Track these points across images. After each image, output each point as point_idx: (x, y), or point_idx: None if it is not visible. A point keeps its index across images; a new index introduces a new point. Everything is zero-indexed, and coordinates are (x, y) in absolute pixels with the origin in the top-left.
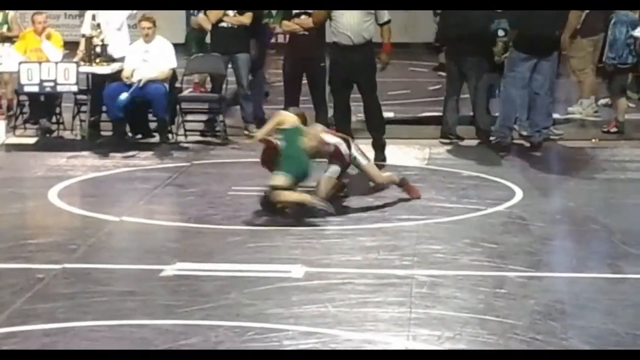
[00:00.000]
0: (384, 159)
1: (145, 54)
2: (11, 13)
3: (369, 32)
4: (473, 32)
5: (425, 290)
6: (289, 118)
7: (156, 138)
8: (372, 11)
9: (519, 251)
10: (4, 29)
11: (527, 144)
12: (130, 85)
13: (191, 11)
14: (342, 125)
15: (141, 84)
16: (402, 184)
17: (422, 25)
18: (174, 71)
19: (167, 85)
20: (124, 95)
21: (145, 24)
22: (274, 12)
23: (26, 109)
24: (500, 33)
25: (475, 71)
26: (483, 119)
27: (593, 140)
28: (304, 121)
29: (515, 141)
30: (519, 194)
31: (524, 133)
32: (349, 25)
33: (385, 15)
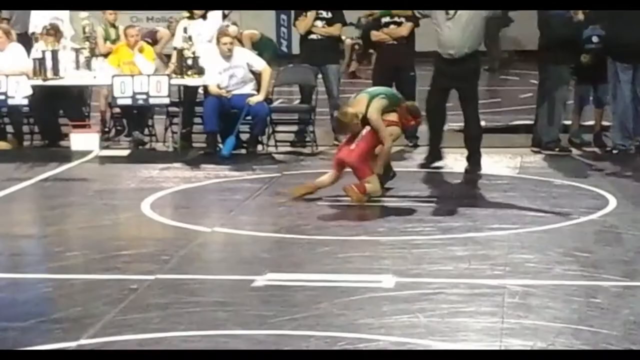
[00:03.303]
0: (478, 170)
1: (232, 70)
2: (121, 27)
3: (472, 45)
4: (554, 40)
5: (518, 300)
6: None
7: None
8: (478, 23)
9: (613, 260)
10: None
11: (619, 153)
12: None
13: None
14: (435, 131)
15: (250, 103)
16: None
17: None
18: None
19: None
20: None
21: (227, 39)
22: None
23: (119, 122)
24: (594, 40)
25: (553, 80)
26: (544, 129)
27: None
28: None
29: (607, 149)
30: (612, 203)
31: (618, 142)
32: (451, 39)
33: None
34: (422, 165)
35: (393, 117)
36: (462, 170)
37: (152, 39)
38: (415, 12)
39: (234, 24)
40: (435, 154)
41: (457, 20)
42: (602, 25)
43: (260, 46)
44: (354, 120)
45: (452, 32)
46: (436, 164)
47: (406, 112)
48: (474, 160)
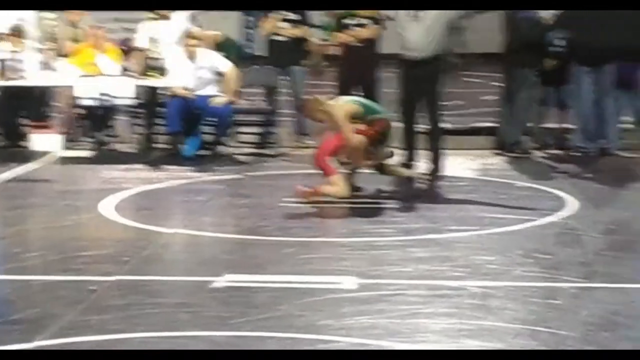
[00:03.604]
0: (440, 172)
1: (196, 71)
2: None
3: (435, 47)
4: (521, 42)
5: (477, 301)
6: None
7: (209, 151)
8: (442, 24)
9: (573, 262)
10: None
11: (581, 155)
12: (190, 100)
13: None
14: (409, 132)
15: (213, 104)
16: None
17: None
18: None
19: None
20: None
21: (192, 41)
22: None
23: (82, 122)
24: (558, 42)
25: (517, 83)
26: (506, 131)
27: None
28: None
29: (569, 152)
30: (573, 205)
31: (580, 144)
32: (415, 40)
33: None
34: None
35: (361, 126)
36: (425, 171)
37: (128, 46)
38: (380, 13)
39: (199, 26)
40: (411, 155)
41: (422, 22)
42: (565, 29)
43: (224, 47)
44: (317, 105)
45: (416, 33)
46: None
47: (377, 128)
48: (435, 161)
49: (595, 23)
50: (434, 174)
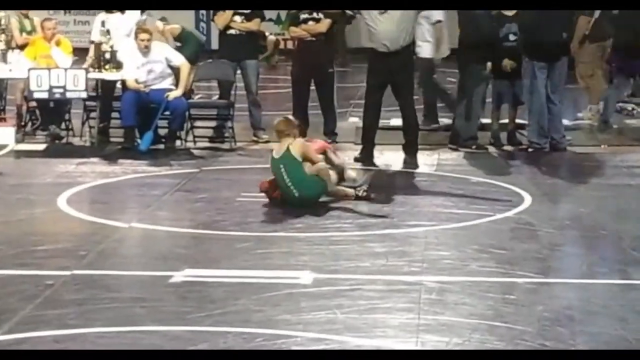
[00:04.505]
0: (415, 165)
1: (150, 65)
2: (36, 19)
3: (405, 38)
4: (477, 38)
5: (434, 296)
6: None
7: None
8: (411, 16)
9: (528, 257)
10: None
11: (534, 150)
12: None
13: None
14: (371, 127)
15: (169, 98)
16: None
17: None
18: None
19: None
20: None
21: (144, 35)
22: (282, 18)
23: (35, 116)
24: (511, 38)
25: (472, 78)
26: (461, 126)
27: (602, 146)
28: (302, 131)
29: (522, 147)
30: (527, 200)
31: (534, 140)
32: (386, 33)
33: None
34: (356, 160)
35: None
36: (383, 166)
37: None
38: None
39: (163, 18)
40: (368, 151)
41: (391, 14)
42: (519, 24)
43: (182, 39)
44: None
45: (386, 25)
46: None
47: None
48: (411, 151)
49: (545, 18)
50: (411, 163)
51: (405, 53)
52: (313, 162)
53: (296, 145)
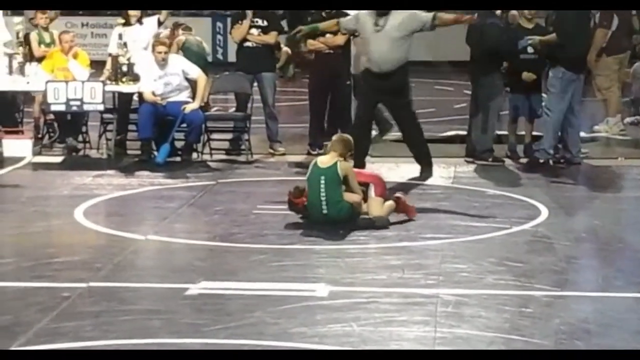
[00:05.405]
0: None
1: (166, 77)
2: (55, 32)
3: (399, 58)
4: (487, 49)
5: (450, 309)
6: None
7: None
8: (406, 36)
9: (545, 270)
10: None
11: (551, 163)
12: (161, 106)
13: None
14: (361, 141)
15: (185, 110)
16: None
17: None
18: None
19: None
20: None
21: (161, 48)
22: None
23: (53, 128)
24: (530, 50)
25: (486, 90)
26: (477, 139)
27: (619, 159)
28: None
29: (539, 160)
30: (544, 213)
31: (545, 148)
32: (379, 54)
33: (425, 16)
34: None
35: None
36: (399, 179)
37: None
38: (342, 29)
39: (186, 28)
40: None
41: (386, 34)
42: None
43: (183, 51)
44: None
45: (380, 46)
46: None
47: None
48: (423, 162)
49: (581, 29)
50: (426, 176)
51: (399, 73)
52: (351, 191)
53: (344, 165)
